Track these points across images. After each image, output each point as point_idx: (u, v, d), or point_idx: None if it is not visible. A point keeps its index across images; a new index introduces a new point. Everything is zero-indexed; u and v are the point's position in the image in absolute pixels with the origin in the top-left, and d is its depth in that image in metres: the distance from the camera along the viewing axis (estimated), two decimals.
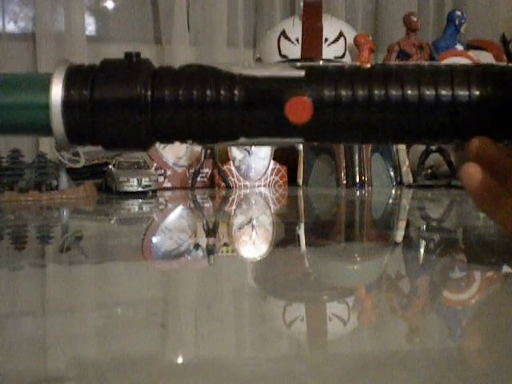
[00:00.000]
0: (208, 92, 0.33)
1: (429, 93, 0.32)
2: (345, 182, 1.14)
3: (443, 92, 0.32)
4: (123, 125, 0.34)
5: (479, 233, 0.57)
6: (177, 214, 0.82)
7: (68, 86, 0.34)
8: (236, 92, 0.32)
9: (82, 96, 0.34)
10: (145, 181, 1.01)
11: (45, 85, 0.34)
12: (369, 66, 0.33)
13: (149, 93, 0.33)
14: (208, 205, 0.97)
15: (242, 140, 0.33)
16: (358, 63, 0.34)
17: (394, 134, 0.33)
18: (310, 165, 1.20)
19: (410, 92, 0.32)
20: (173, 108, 0.33)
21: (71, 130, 0.34)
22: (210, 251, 0.45)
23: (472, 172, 0.33)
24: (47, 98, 0.34)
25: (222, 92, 0.33)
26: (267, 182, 1.21)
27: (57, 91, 0.34)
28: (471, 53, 1.47)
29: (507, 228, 0.33)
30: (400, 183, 1.18)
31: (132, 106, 0.33)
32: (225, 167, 1.18)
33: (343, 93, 0.32)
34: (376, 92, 0.32)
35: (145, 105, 0.33)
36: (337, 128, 0.33)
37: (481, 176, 0.33)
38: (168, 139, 0.35)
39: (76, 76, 0.34)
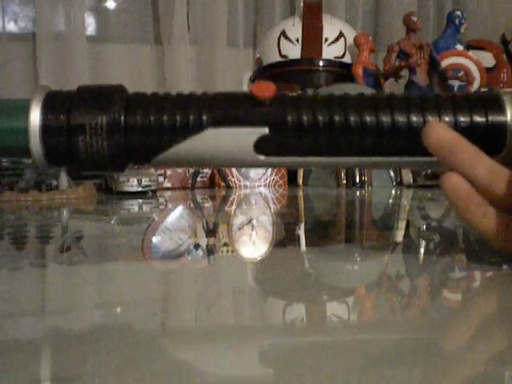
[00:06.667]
0: (177, 117, 0.35)
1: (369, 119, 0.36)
2: (345, 181, 1.14)
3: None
4: (98, 148, 0.34)
5: None
6: (177, 214, 0.82)
7: (46, 111, 0.35)
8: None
9: (59, 120, 0.35)
10: (145, 181, 1.01)
11: (24, 110, 0.35)
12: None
13: (122, 118, 0.35)
14: (208, 205, 0.97)
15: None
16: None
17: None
18: None
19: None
20: (144, 132, 0.35)
21: (49, 153, 0.35)
22: (210, 251, 0.45)
23: (455, 181, 0.32)
24: (26, 123, 0.34)
25: (191, 117, 0.35)
26: (267, 182, 1.22)
27: (35, 116, 0.35)
28: (471, 53, 1.47)
29: (494, 238, 0.32)
30: (400, 183, 1.18)
31: (106, 130, 0.34)
32: None
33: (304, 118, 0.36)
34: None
35: (118, 129, 0.35)
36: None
37: (464, 185, 0.32)
38: (141, 161, 0.37)
39: (53, 101, 0.35)
